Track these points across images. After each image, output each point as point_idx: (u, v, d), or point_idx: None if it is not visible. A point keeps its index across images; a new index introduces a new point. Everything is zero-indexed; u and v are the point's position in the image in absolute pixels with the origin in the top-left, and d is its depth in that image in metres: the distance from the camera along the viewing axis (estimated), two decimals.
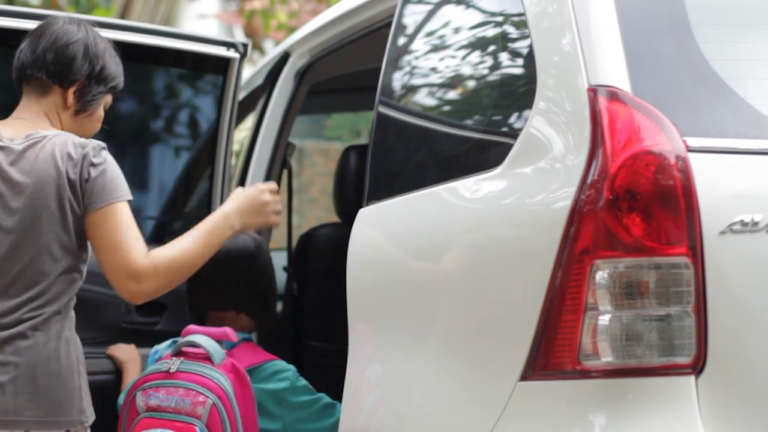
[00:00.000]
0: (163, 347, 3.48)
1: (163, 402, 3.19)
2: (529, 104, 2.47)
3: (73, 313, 2.98)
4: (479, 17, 2.87)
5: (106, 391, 3.35)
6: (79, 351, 2.97)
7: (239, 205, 3.15)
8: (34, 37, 3.09)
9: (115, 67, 3.14)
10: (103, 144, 2.98)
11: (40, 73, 3.05)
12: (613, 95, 2.30)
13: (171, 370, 3.22)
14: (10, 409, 2.84)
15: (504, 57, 2.69)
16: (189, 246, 3.00)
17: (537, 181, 2.39)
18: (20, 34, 3.17)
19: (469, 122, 2.82)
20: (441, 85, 2.99)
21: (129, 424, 3.22)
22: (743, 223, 2.25)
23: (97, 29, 3.16)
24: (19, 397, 2.85)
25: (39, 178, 2.91)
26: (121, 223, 2.92)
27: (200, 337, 3.28)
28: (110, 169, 2.95)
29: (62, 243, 2.93)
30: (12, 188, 2.92)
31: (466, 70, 2.86)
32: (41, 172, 2.92)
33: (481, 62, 2.81)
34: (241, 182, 4.52)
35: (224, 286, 3.48)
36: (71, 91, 3.07)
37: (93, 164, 2.92)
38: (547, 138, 2.41)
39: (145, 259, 2.91)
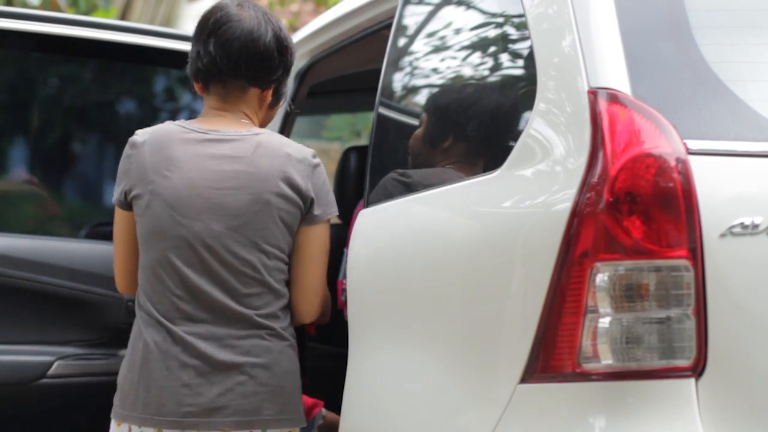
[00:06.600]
0: None
1: None
2: (529, 106, 2.46)
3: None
4: (479, 18, 2.87)
5: (103, 393, 3.34)
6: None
7: None
8: (220, 34, 2.89)
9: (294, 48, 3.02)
10: (315, 152, 2.92)
11: (240, 80, 2.91)
12: (614, 97, 2.29)
13: None
14: (249, 409, 2.80)
15: (504, 58, 2.69)
16: None
17: (537, 184, 2.38)
18: (19, 34, 3.11)
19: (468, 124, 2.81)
20: (441, 87, 2.99)
21: None
22: (743, 226, 2.25)
23: (95, 30, 3.12)
24: (258, 396, 2.81)
25: (262, 172, 2.83)
26: (328, 240, 2.92)
27: None
28: (327, 182, 2.91)
29: (273, 241, 2.85)
30: (232, 180, 2.82)
31: (466, 72, 2.86)
32: (264, 166, 2.83)
33: (481, 64, 2.81)
34: None
35: None
36: (270, 91, 2.98)
37: (318, 175, 2.88)
38: (547, 140, 2.40)
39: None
